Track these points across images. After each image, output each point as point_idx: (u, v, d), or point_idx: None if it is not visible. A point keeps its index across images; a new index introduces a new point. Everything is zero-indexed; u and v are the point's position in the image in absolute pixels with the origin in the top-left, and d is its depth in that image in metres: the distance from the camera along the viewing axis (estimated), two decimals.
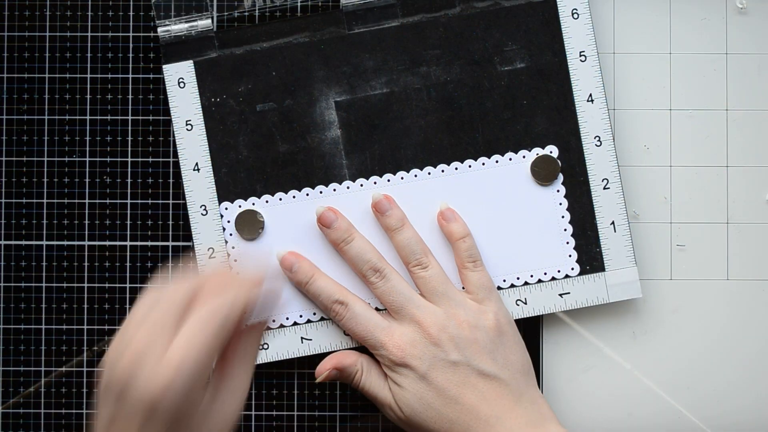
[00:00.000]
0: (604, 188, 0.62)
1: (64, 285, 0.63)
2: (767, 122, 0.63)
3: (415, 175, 0.61)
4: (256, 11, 0.63)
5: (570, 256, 0.61)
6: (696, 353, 0.63)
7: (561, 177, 0.61)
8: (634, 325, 0.63)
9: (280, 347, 0.62)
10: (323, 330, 0.62)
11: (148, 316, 0.44)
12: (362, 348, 0.60)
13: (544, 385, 0.63)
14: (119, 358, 0.44)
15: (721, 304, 0.63)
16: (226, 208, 0.62)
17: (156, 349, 0.43)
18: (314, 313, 0.62)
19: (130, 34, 0.63)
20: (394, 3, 0.61)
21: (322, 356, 0.63)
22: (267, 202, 0.62)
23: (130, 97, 0.63)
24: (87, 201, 0.63)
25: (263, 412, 0.63)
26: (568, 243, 0.61)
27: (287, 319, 0.62)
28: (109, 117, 0.63)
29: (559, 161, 0.61)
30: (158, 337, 0.44)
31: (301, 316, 0.62)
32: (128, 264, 0.63)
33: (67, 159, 0.63)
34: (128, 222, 0.63)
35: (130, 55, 0.63)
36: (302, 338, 0.62)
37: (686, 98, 0.63)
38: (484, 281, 0.59)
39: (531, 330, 0.63)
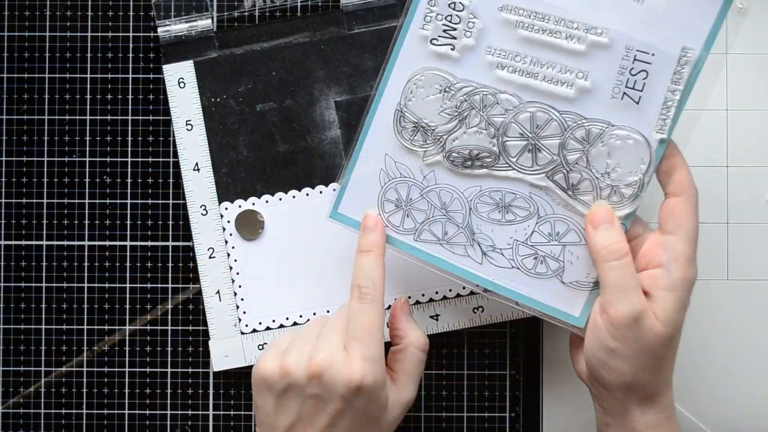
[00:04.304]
0: None
1: (64, 285, 0.63)
2: (767, 122, 0.63)
3: None
4: (256, 11, 0.63)
5: None
6: (696, 353, 0.63)
7: None
8: None
9: None
10: None
11: (323, 332, 0.54)
12: None
13: (544, 385, 0.63)
14: (304, 360, 0.53)
15: (721, 304, 0.63)
16: (226, 208, 0.62)
17: (340, 351, 0.53)
18: (314, 313, 0.62)
19: (130, 34, 0.63)
20: (394, 3, 0.61)
21: None
22: (267, 202, 0.62)
23: (130, 97, 0.63)
24: (87, 201, 0.63)
25: None
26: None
27: (287, 319, 0.62)
28: (109, 117, 0.63)
29: None
30: (338, 345, 0.53)
31: (301, 316, 0.62)
32: (128, 264, 0.63)
33: (67, 159, 0.63)
34: (128, 222, 0.63)
35: (130, 55, 0.63)
36: None
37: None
38: None
39: (531, 330, 0.63)
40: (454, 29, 0.55)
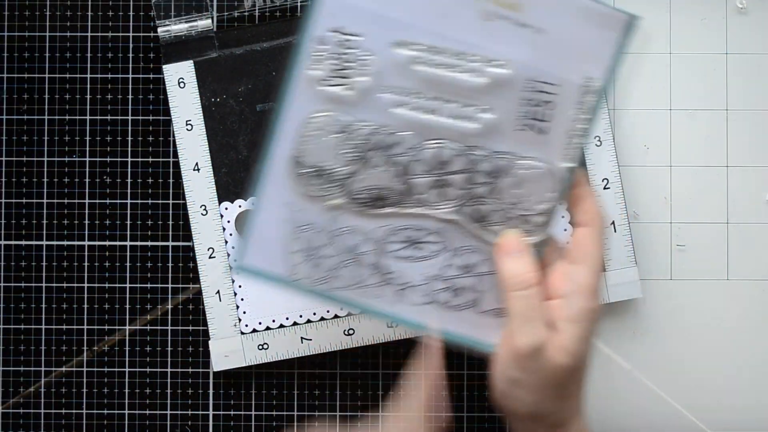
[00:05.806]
0: (604, 188, 0.62)
1: (64, 285, 0.63)
2: (767, 122, 0.63)
3: None
4: (256, 11, 0.63)
5: None
6: (696, 353, 0.63)
7: None
8: (634, 324, 0.63)
9: (280, 347, 0.62)
10: (323, 330, 0.62)
11: None
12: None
13: None
14: None
15: (721, 304, 0.63)
16: (226, 208, 0.62)
17: None
18: (314, 313, 0.62)
19: (130, 34, 0.63)
20: None
21: (322, 356, 0.63)
22: None
23: (130, 97, 0.63)
24: (87, 201, 0.63)
25: (263, 412, 0.63)
26: (568, 243, 0.61)
27: (287, 319, 0.62)
28: (109, 117, 0.63)
29: None
30: None
31: (301, 316, 0.62)
32: (128, 264, 0.63)
33: (67, 159, 0.63)
34: (128, 222, 0.63)
35: (130, 55, 0.63)
36: (302, 338, 0.62)
37: (686, 98, 0.63)
38: None
39: None
40: (347, 68, 0.51)
